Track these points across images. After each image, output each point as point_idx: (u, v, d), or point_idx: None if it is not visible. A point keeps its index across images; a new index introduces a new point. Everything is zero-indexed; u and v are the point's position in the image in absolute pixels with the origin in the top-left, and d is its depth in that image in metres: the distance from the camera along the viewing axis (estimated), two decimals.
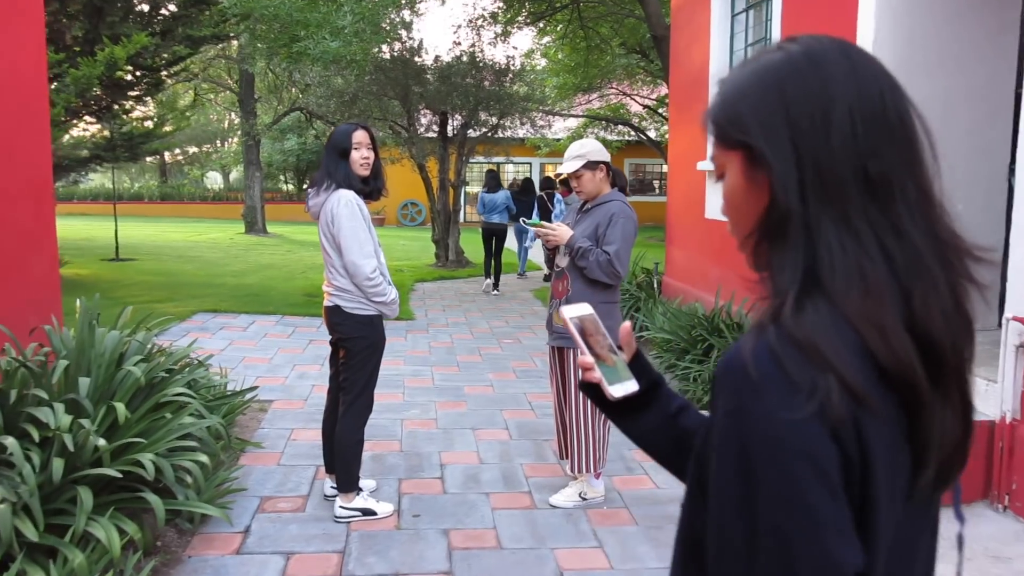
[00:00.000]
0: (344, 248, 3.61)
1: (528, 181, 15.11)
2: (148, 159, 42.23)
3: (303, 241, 20.08)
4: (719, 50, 7.76)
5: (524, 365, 7.04)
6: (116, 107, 11.45)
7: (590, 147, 4.01)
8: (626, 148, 29.16)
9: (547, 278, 14.44)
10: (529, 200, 14.21)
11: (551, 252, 4.14)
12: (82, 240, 18.03)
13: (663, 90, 26.09)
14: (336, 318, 3.76)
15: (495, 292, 11.56)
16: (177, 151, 41.03)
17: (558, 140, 27.00)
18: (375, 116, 14.59)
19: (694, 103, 8.34)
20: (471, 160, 17.12)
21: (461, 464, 4.57)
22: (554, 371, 4.20)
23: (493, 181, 12.17)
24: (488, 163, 30.01)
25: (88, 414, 3.07)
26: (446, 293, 11.42)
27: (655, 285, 9.29)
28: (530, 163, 31.03)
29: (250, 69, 18.95)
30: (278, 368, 6.58)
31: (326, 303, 3.81)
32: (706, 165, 7.86)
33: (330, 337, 3.92)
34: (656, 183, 33.16)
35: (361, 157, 3.71)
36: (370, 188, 3.81)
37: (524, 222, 4.08)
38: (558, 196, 14.37)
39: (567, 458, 4.25)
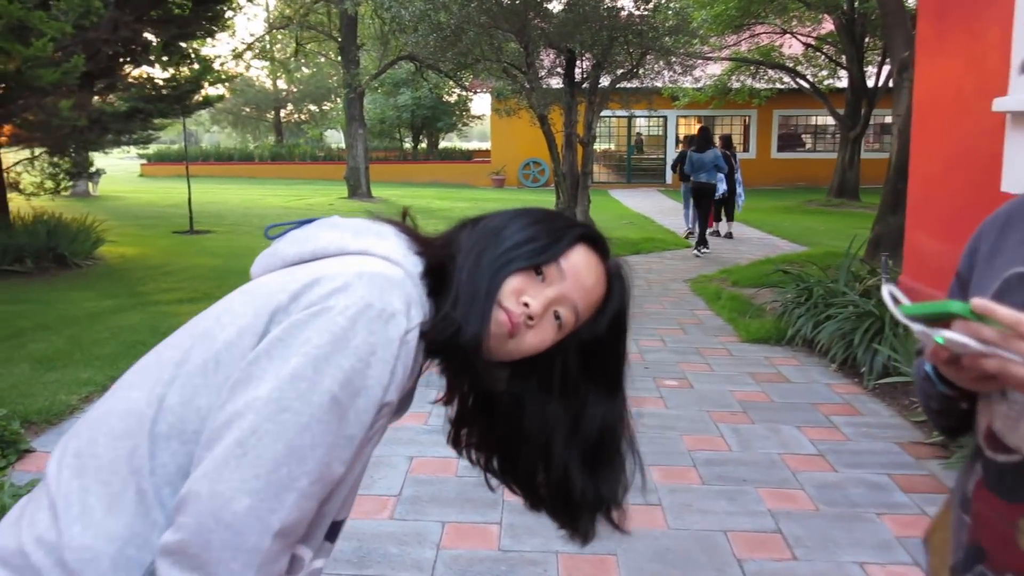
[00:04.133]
0: (241, 433, 0.87)
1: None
2: (271, 117, 41.10)
3: (411, 207, 17.61)
4: None
5: (704, 444, 4.20)
6: (166, 48, 9.13)
7: None
8: (775, 98, 25.38)
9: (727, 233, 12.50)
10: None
11: (956, 396, 1.17)
12: (166, 208, 16.21)
13: (827, 26, 22.20)
14: None
15: (705, 251, 11.38)
16: (291, 108, 39.65)
17: (699, 89, 23.45)
18: (485, 56, 11.83)
19: (981, 5, 5.17)
20: (601, 114, 14.26)
21: None
22: None
23: (703, 139, 11.76)
24: (617, 116, 26.83)
25: None
26: None
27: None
28: (664, 116, 27.61)
29: (348, 10, 16.56)
30: None
31: None
32: (1015, 103, 4.71)
33: None
34: (808, 138, 29.18)
35: (523, 306, 1.05)
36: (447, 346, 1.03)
37: (909, 320, 1.11)
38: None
39: None
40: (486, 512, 3.38)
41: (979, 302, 0.92)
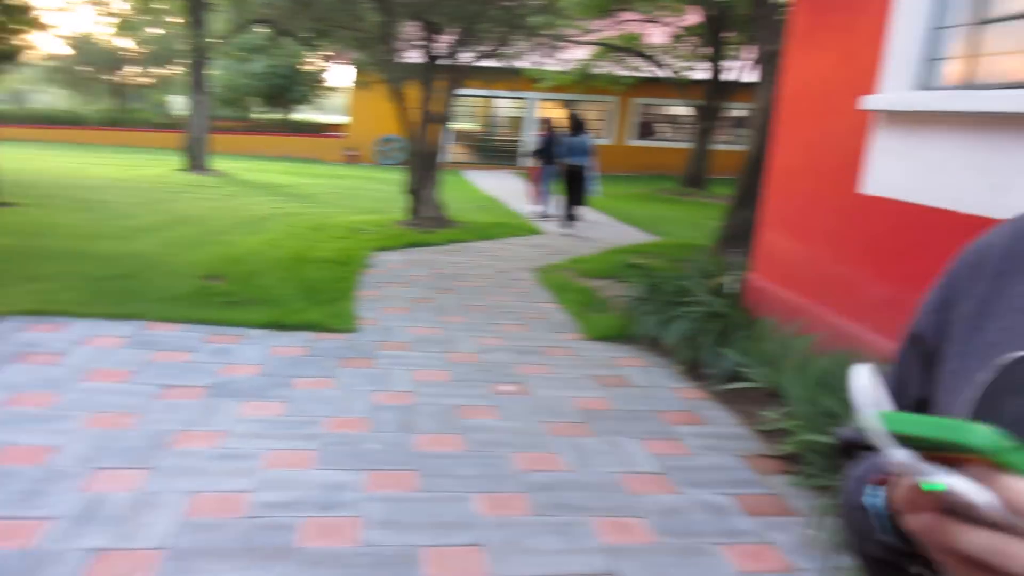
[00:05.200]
0: None
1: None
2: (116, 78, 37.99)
3: (252, 182, 16.60)
4: None
5: (538, 463, 3.78)
6: None
7: None
8: (636, 85, 25.54)
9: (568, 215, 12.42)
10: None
11: (910, 553, 0.68)
12: None
13: (691, 18, 22.41)
14: None
15: (569, 231, 11.71)
16: (134, 70, 36.95)
17: (562, 73, 23.23)
18: (341, 24, 11.05)
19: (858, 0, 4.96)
20: (460, 92, 13.69)
21: None
22: None
23: (577, 125, 12.27)
24: (477, 95, 26.36)
25: None
26: (416, 272, 8.09)
27: (732, 290, 6.01)
28: (526, 98, 27.33)
29: None
30: (87, 462, 3.29)
31: None
32: (884, 102, 4.50)
33: None
34: (664, 127, 29.64)
35: None
36: None
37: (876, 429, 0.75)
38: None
39: None
40: (274, 567, 2.81)
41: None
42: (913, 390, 0.82)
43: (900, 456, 0.53)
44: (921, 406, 0.81)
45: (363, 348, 5.36)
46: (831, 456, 3.60)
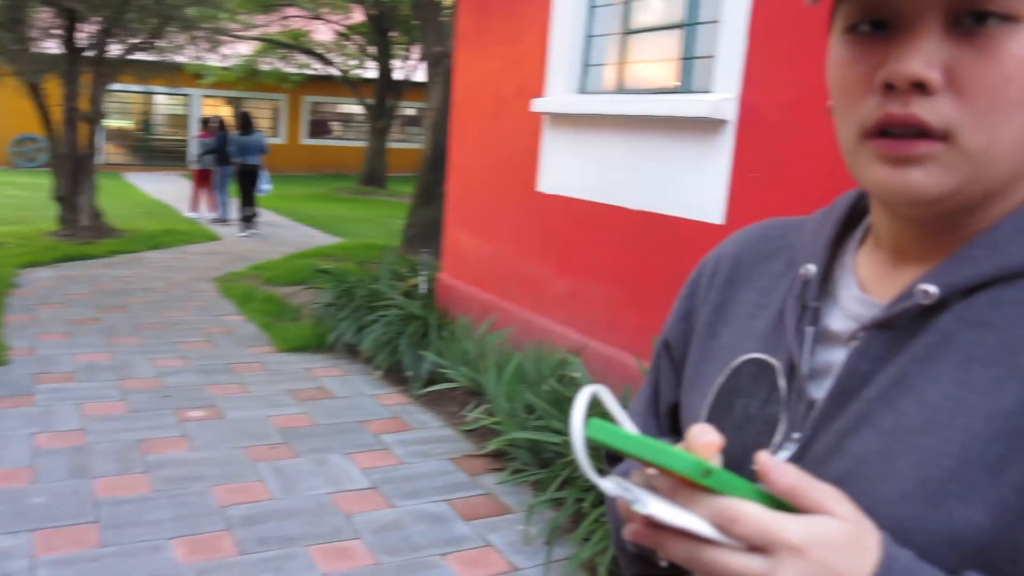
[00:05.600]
0: None
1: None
2: None
3: None
4: None
5: (240, 495, 3.48)
6: None
7: None
8: (306, 83, 25.04)
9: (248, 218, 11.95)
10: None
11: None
12: None
13: (356, 17, 22.36)
14: None
15: (250, 232, 11.45)
16: None
17: (226, 69, 22.10)
18: None
19: (520, 3, 5.13)
20: (111, 87, 12.39)
21: None
22: None
23: (246, 123, 11.73)
24: (133, 91, 24.26)
25: None
26: (76, 289, 7.16)
27: (427, 290, 6.04)
28: (188, 95, 25.64)
29: None
30: None
31: None
32: (551, 104, 4.71)
33: None
34: (338, 125, 29.44)
35: None
36: None
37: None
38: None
39: None
40: None
41: (765, 460, 0.55)
42: (668, 396, 0.85)
43: (607, 486, 0.55)
44: (675, 411, 0.84)
45: (16, 383, 4.61)
46: (535, 451, 3.72)
